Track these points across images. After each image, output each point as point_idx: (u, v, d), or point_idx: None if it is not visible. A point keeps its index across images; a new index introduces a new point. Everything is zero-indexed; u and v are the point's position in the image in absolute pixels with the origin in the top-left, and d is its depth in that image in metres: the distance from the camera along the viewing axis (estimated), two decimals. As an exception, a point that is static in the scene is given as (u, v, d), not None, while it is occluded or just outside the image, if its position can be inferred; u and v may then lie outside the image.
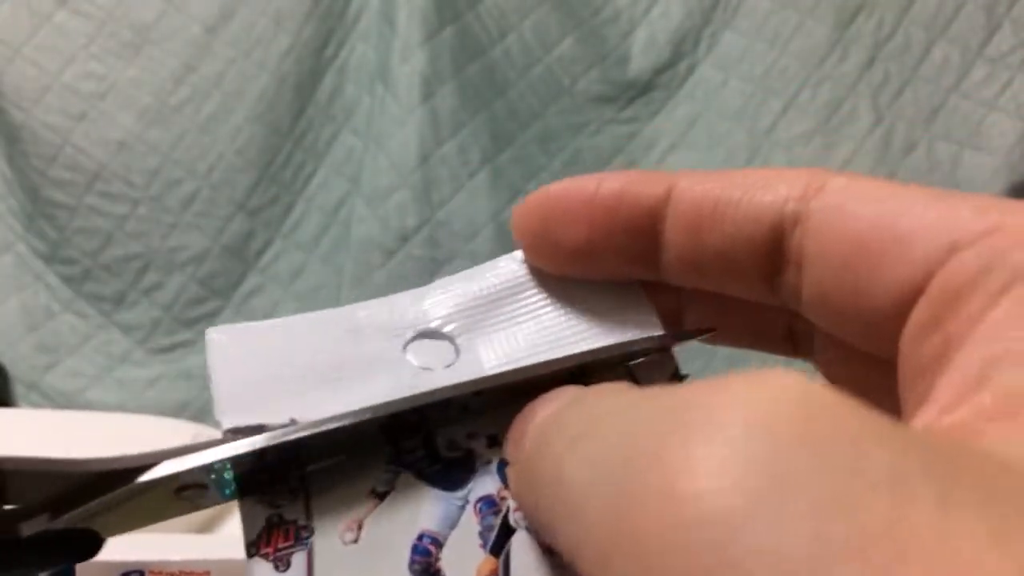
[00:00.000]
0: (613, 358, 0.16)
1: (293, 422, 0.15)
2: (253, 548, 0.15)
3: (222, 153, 0.87)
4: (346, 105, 0.90)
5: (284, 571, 0.15)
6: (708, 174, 0.15)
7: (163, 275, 0.87)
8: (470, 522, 0.15)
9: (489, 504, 0.16)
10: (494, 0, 0.89)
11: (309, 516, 0.15)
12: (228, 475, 0.15)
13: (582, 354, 0.17)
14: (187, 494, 0.15)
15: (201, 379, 0.86)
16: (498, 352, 0.17)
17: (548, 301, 0.17)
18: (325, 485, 0.15)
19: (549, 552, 0.15)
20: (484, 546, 0.15)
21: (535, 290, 0.17)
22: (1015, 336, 0.11)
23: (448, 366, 0.17)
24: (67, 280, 0.87)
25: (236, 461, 0.15)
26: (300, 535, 0.15)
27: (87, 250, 0.87)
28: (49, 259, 0.88)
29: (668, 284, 0.17)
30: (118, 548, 0.39)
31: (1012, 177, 0.82)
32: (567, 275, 0.17)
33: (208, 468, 0.15)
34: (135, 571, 0.38)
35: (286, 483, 0.15)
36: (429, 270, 0.83)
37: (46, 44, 0.87)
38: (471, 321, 0.17)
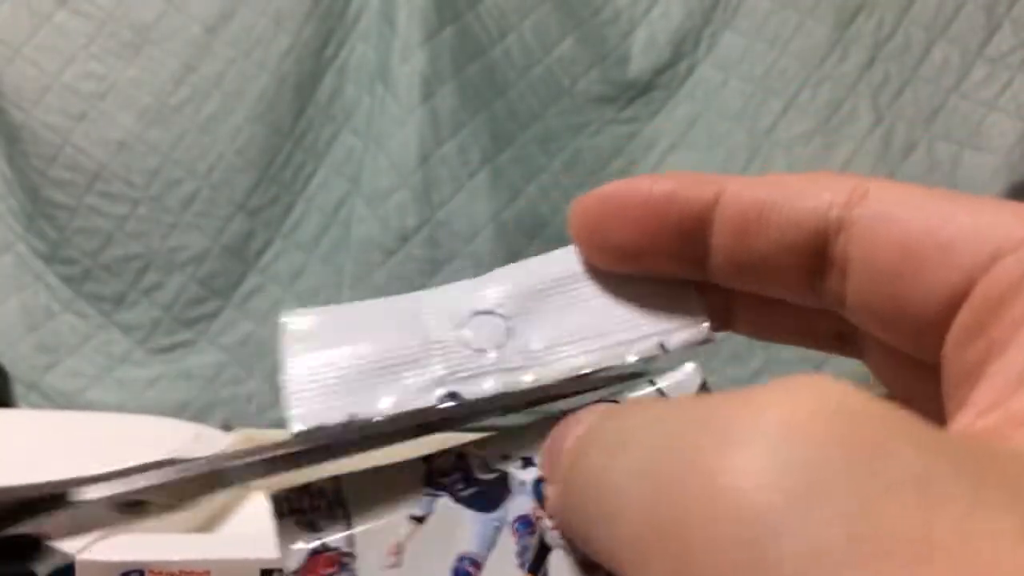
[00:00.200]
0: (642, 365, 0.17)
1: (352, 419, 0.16)
2: None
3: (222, 153, 0.87)
4: (346, 105, 0.90)
5: None
6: (756, 180, 0.16)
7: (163, 275, 0.87)
8: (507, 542, 0.16)
9: (525, 524, 0.16)
10: (494, 0, 0.89)
11: (351, 543, 0.16)
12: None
13: (607, 372, 0.17)
14: (132, 509, 0.16)
15: (201, 379, 0.86)
16: (546, 336, 0.17)
17: (598, 293, 0.18)
18: (364, 508, 0.16)
19: (586, 569, 0.15)
20: (522, 565, 0.16)
21: (587, 282, 0.18)
22: None
23: (500, 347, 0.17)
24: (67, 280, 0.87)
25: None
26: (343, 562, 0.16)
27: (87, 250, 0.87)
28: (49, 259, 0.88)
29: (718, 284, 0.17)
30: (118, 548, 0.39)
31: (1012, 177, 0.82)
32: (619, 271, 0.18)
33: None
34: (135, 571, 0.38)
35: (323, 496, 0.16)
36: (429, 270, 0.83)
37: (46, 44, 0.87)
38: (524, 306, 0.18)
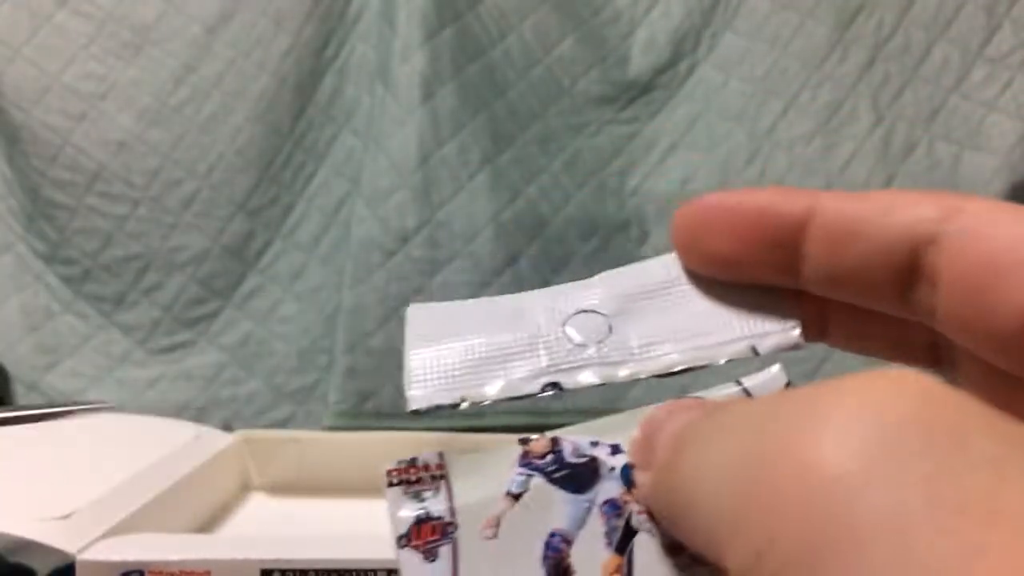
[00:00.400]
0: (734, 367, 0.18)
1: (463, 400, 0.18)
2: (404, 540, 0.17)
3: (222, 153, 0.87)
4: (346, 105, 0.90)
5: (432, 561, 0.17)
6: (848, 194, 0.17)
7: (163, 275, 0.87)
8: (596, 523, 0.17)
9: (613, 507, 0.17)
10: (494, 0, 0.89)
11: (453, 514, 0.17)
12: None
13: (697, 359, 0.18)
14: None
15: (201, 379, 0.87)
16: (644, 334, 0.19)
17: (695, 296, 0.19)
18: (465, 483, 0.18)
19: (671, 552, 0.16)
20: (609, 545, 0.17)
21: (684, 286, 0.19)
22: None
23: (600, 342, 0.19)
24: (67, 280, 0.87)
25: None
26: (446, 530, 0.17)
27: (87, 250, 0.87)
28: (49, 259, 0.88)
29: (812, 293, 0.18)
30: (118, 548, 0.39)
31: (1012, 178, 0.82)
32: (716, 277, 0.19)
33: None
34: (135, 571, 0.38)
35: (427, 470, 0.18)
36: (429, 270, 0.83)
37: (46, 44, 0.87)
38: (624, 306, 0.19)
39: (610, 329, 0.19)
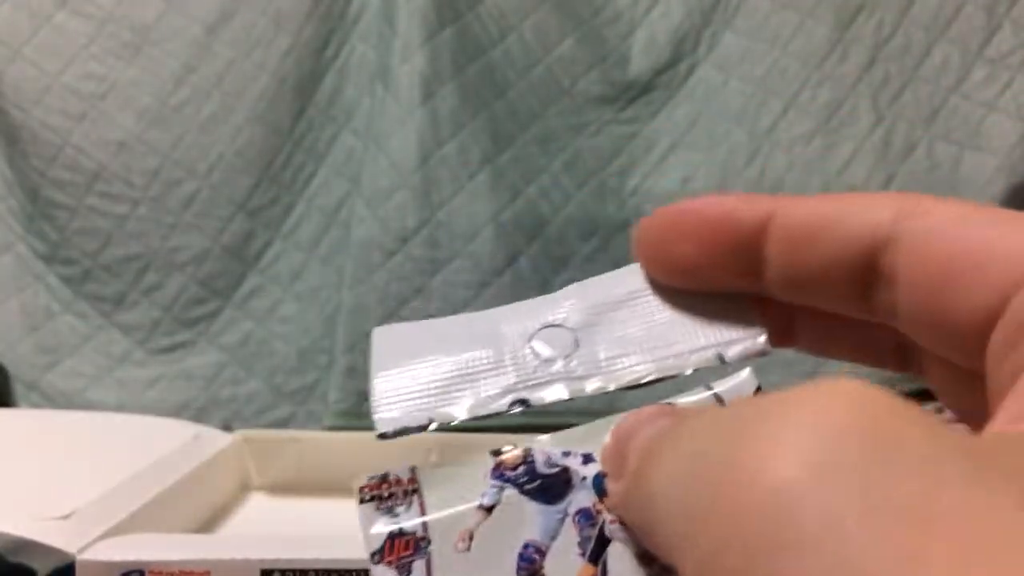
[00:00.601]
0: (703, 370, 0.18)
1: (431, 422, 0.18)
2: (378, 556, 0.17)
3: (222, 153, 0.87)
4: (346, 106, 0.90)
5: None
6: (808, 198, 0.17)
7: (163, 275, 0.87)
8: (569, 533, 0.17)
9: (586, 517, 0.17)
10: (494, 0, 0.89)
11: (426, 528, 0.17)
12: None
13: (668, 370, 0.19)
14: None
15: (201, 379, 0.87)
16: (611, 346, 0.19)
17: (660, 306, 0.19)
18: (438, 497, 0.18)
19: (644, 561, 0.16)
20: (583, 555, 0.17)
21: (650, 297, 0.19)
22: None
23: (567, 356, 0.19)
24: (67, 281, 0.87)
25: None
26: (419, 545, 0.17)
27: (87, 250, 0.87)
28: (49, 259, 0.88)
29: (779, 299, 0.18)
30: (118, 548, 0.39)
31: (1012, 178, 0.82)
32: (681, 286, 0.19)
33: None
34: (135, 571, 0.38)
35: (400, 485, 0.18)
36: (429, 270, 0.83)
37: (46, 44, 0.87)
38: (591, 319, 0.19)
39: (577, 343, 0.19)
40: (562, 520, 0.17)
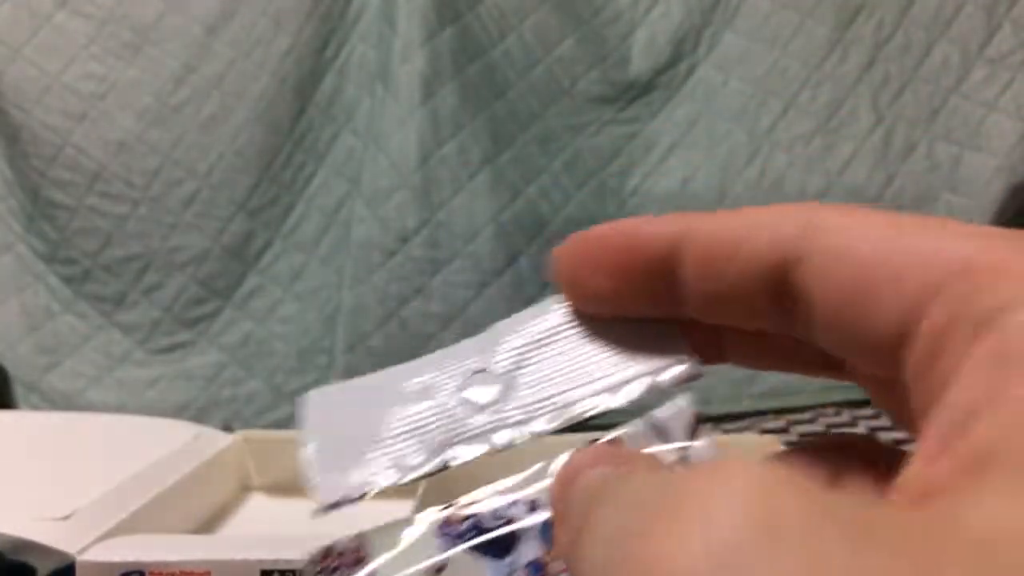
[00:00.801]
0: (636, 405, 0.18)
1: (366, 492, 0.18)
2: None
3: (222, 153, 0.87)
4: (346, 105, 0.90)
5: None
6: (717, 216, 0.16)
7: (163, 275, 0.87)
8: None
9: (536, 568, 0.17)
10: (494, 0, 0.89)
11: None
12: None
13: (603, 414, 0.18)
14: None
15: (201, 379, 0.87)
16: (541, 387, 0.18)
17: (586, 339, 0.19)
18: (387, 563, 0.17)
19: None
20: None
21: (576, 330, 0.19)
22: (984, 387, 0.12)
23: (497, 404, 0.18)
24: (67, 280, 0.87)
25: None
26: None
27: (87, 250, 0.87)
28: (49, 259, 0.88)
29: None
30: (118, 548, 0.39)
31: (1012, 178, 0.82)
32: (604, 314, 0.18)
33: None
34: (135, 571, 0.38)
35: (345, 556, 0.17)
36: (429, 270, 0.83)
37: (46, 44, 0.87)
38: (518, 359, 0.19)
39: (506, 387, 0.18)
40: (512, 573, 0.17)
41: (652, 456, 0.17)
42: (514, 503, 0.18)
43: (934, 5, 0.87)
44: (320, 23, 0.89)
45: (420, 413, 0.18)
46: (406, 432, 0.18)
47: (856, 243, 0.14)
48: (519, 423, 0.18)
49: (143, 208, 0.87)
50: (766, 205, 0.16)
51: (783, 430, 0.78)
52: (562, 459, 0.17)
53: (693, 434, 0.18)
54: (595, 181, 0.88)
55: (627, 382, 0.18)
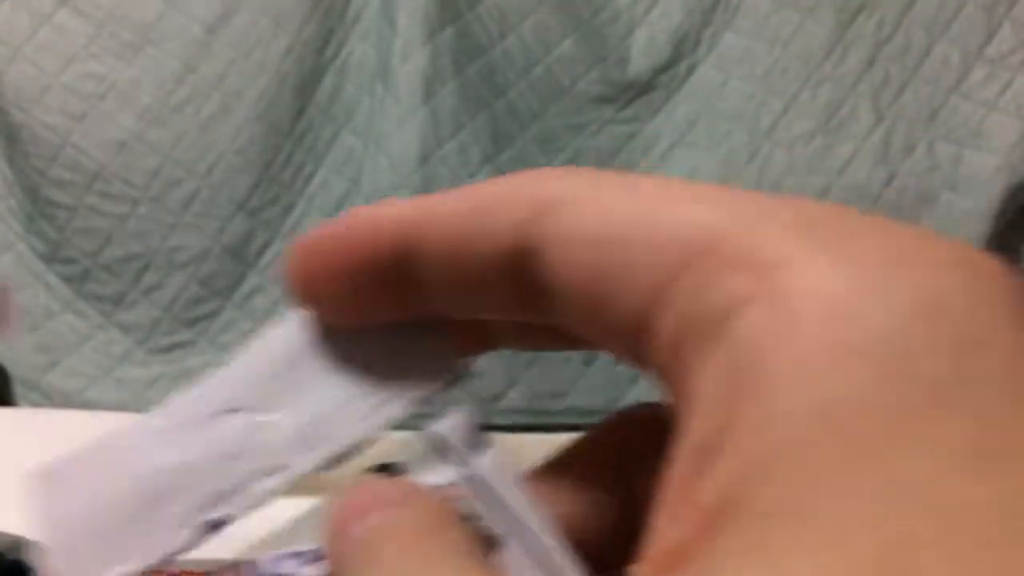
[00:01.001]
0: (411, 423, 0.16)
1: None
2: None
3: (222, 153, 0.87)
4: (346, 105, 0.90)
5: None
6: (451, 199, 0.14)
7: (163, 275, 0.87)
8: None
9: None
10: (494, 0, 0.89)
11: None
12: None
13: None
14: None
15: (201, 379, 0.87)
16: (296, 422, 0.16)
17: (338, 358, 0.16)
18: None
19: None
20: None
21: (325, 348, 0.16)
22: (719, 416, 0.10)
23: (249, 449, 0.16)
24: (67, 280, 0.87)
25: None
26: None
27: (87, 250, 0.87)
28: (49, 259, 0.88)
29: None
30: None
31: (1012, 177, 0.82)
32: (352, 324, 0.16)
33: None
34: (135, 571, 0.38)
35: None
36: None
37: (46, 44, 0.87)
38: (265, 393, 0.16)
39: (258, 428, 0.16)
40: None
41: (427, 493, 0.15)
42: (299, 552, 0.16)
43: (934, 5, 0.87)
44: (320, 23, 0.89)
45: (174, 469, 0.16)
46: (154, 501, 0.15)
47: (590, 222, 0.13)
48: (279, 468, 0.16)
49: (143, 208, 0.87)
50: (499, 179, 0.14)
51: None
52: (334, 501, 0.15)
53: (477, 445, 0.16)
54: (595, 181, 0.88)
55: (386, 403, 0.16)
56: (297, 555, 0.16)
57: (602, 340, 0.13)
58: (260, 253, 0.89)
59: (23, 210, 0.88)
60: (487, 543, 0.14)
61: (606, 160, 0.89)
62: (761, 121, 0.88)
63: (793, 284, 0.10)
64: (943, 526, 0.08)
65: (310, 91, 0.89)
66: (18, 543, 0.39)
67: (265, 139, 0.88)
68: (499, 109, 0.87)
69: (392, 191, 0.84)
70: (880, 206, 0.83)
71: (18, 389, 0.85)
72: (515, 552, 0.14)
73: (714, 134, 0.88)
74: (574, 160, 0.88)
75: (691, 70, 0.91)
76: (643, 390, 0.68)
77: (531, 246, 0.13)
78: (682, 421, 0.11)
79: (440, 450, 0.16)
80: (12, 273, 0.88)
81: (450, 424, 0.16)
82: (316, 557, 0.16)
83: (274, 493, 0.16)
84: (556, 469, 0.16)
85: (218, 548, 0.16)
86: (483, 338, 0.17)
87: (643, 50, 0.91)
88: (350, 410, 0.16)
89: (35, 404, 0.85)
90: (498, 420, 0.62)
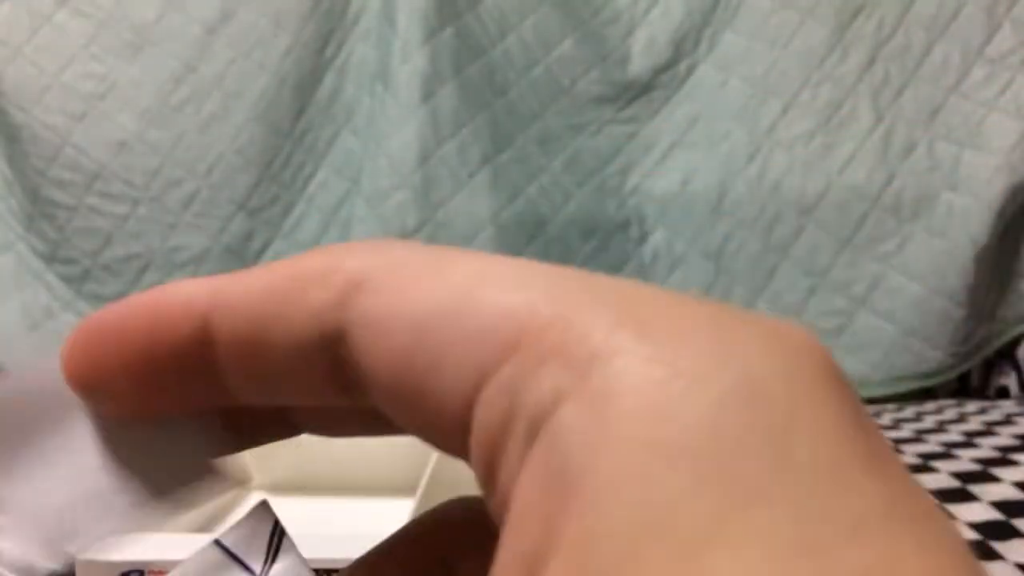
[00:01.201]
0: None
1: None
2: None
3: (222, 153, 0.87)
4: (346, 105, 0.90)
5: None
6: (246, 281, 0.13)
7: (163, 275, 0.87)
8: None
9: None
10: (494, 0, 0.89)
11: None
12: None
13: None
14: None
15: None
16: (46, 531, 0.14)
17: (105, 453, 0.14)
18: None
19: None
20: None
21: (89, 442, 0.14)
22: (541, 527, 0.10)
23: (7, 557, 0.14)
24: (67, 280, 0.87)
25: None
26: None
27: (87, 250, 0.87)
28: (49, 259, 0.88)
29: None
30: (118, 548, 0.39)
31: (1012, 177, 0.82)
32: (131, 416, 0.14)
33: None
34: (135, 571, 0.38)
35: None
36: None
37: (46, 44, 0.87)
38: (19, 490, 0.14)
39: (14, 534, 0.14)
40: None
41: None
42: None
43: (934, 5, 0.87)
44: (320, 23, 0.89)
45: None
46: None
47: (399, 306, 0.12)
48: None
49: (143, 208, 0.87)
50: (299, 256, 0.13)
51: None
52: None
53: (276, 551, 0.14)
54: (595, 181, 0.88)
55: (145, 508, 0.14)
56: None
57: (421, 432, 0.12)
58: (260, 253, 0.89)
59: (23, 210, 0.88)
60: None
61: (606, 160, 0.89)
62: (761, 121, 0.88)
63: (609, 380, 0.10)
64: None
65: (310, 91, 0.89)
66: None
67: (265, 139, 0.88)
68: (499, 109, 0.87)
69: (392, 191, 0.84)
70: (880, 206, 0.83)
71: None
72: None
73: (714, 134, 0.88)
74: (574, 160, 0.88)
75: (691, 70, 0.91)
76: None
77: (338, 329, 0.12)
78: (505, 526, 0.10)
79: (238, 559, 0.15)
80: (12, 272, 0.88)
81: (250, 529, 0.15)
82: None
83: None
84: (372, 567, 0.16)
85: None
86: (288, 426, 0.16)
87: (643, 50, 0.91)
88: (108, 515, 0.14)
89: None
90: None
